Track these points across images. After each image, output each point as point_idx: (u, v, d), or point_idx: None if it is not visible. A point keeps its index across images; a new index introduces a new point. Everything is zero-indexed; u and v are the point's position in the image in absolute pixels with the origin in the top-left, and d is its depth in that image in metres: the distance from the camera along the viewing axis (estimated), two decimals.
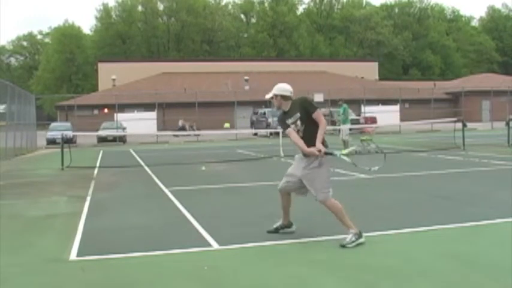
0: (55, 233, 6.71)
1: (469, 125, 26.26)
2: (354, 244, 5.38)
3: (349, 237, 5.43)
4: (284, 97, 5.76)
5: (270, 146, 22.43)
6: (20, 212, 8.33)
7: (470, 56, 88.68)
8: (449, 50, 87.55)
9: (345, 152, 5.85)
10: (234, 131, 34.22)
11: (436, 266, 4.72)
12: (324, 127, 5.65)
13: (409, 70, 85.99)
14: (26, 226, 7.26)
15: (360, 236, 5.45)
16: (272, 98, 5.83)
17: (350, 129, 19.65)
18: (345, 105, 18.66)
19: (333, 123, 34.38)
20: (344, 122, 18.40)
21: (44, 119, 47.02)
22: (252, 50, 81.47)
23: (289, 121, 5.69)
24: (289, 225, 6.09)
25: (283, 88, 5.80)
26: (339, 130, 19.09)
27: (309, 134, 5.63)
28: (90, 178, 12.72)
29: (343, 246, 5.36)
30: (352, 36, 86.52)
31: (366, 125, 32.59)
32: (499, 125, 33.30)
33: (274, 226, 6.10)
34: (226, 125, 23.02)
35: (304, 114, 5.61)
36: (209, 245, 5.72)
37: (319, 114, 5.63)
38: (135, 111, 39.00)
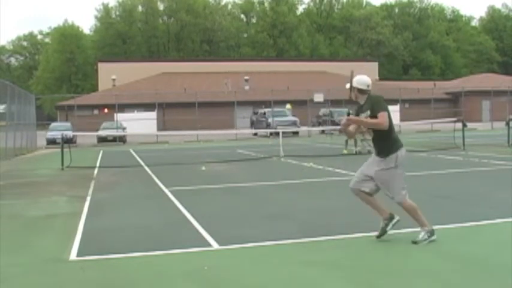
0: (55, 233, 6.71)
1: (469, 125, 26.24)
2: (426, 242, 5.41)
3: (422, 234, 5.46)
4: (360, 90, 5.69)
5: (270, 146, 22.43)
6: (20, 212, 8.33)
7: (470, 56, 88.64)
8: (449, 50, 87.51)
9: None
10: (234, 131, 34.22)
11: (436, 266, 4.72)
12: (376, 122, 5.47)
13: (409, 70, 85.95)
14: (26, 226, 7.25)
15: (432, 234, 5.48)
16: (350, 89, 5.74)
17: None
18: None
19: (333, 123, 34.43)
20: None
21: (44, 119, 47.01)
22: (252, 50, 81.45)
23: (361, 116, 5.63)
24: (392, 217, 5.65)
25: (361, 81, 5.71)
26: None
27: (377, 135, 5.58)
28: (90, 178, 12.72)
29: (415, 242, 5.41)
30: (352, 36, 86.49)
31: None
32: (499, 125, 33.29)
33: (381, 227, 5.70)
34: (288, 106, 22.01)
35: (371, 113, 5.55)
36: (209, 245, 5.72)
37: (381, 116, 5.46)
38: (135, 111, 38.98)
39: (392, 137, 5.60)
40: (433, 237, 5.47)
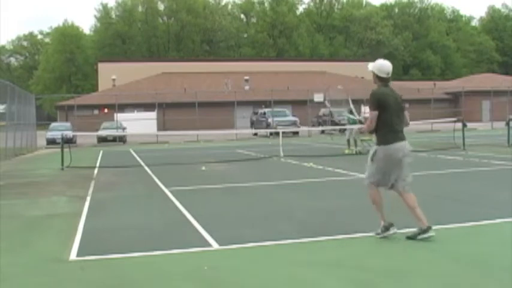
0: (55, 233, 6.71)
1: (469, 125, 26.22)
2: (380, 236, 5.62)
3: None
4: (377, 77, 5.59)
5: (270, 146, 22.43)
6: (20, 212, 8.33)
7: (470, 56, 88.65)
8: (449, 50, 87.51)
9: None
10: (234, 131, 34.22)
11: (436, 266, 4.72)
12: (365, 128, 5.80)
13: (409, 70, 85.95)
14: (26, 226, 7.25)
15: (387, 229, 5.64)
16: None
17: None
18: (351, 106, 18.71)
19: (333, 123, 34.43)
20: (353, 122, 18.36)
21: (44, 119, 47.03)
22: (252, 50, 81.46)
23: (365, 108, 5.78)
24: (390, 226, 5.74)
25: (377, 66, 5.59)
26: (345, 130, 19.14)
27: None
28: (90, 178, 12.72)
29: (377, 234, 5.69)
30: (352, 36, 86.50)
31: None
32: (499, 125, 33.29)
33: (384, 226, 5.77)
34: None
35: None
36: (209, 245, 5.72)
37: (369, 115, 5.62)
38: (135, 111, 38.99)
39: (383, 131, 5.53)
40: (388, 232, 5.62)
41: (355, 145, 17.73)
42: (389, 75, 5.57)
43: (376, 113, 5.47)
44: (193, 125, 34.56)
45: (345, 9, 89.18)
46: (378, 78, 5.56)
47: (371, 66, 5.61)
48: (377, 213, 5.74)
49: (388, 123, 5.50)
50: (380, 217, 5.73)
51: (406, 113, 5.73)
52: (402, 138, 5.57)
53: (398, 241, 5.64)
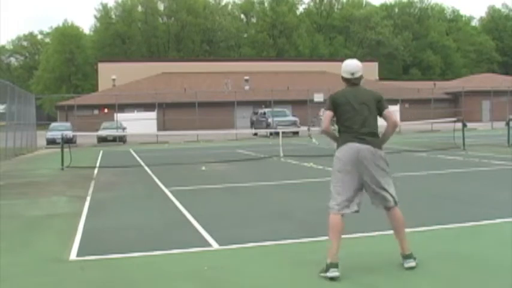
0: (55, 233, 6.71)
1: (469, 125, 26.22)
2: (321, 275, 4.56)
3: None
4: (342, 78, 4.97)
5: (270, 146, 22.43)
6: (20, 212, 8.33)
7: (470, 56, 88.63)
8: (449, 50, 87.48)
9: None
10: (234, 131, 34.22)
11: (436, 266, 4.72)
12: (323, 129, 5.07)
13: (409, 70, 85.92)
14: (26, 226, 7.25)
15: (327, 269, 4.54)
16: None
17: None
18: None
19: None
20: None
21: (44, 119, 47.01)
22: (252, 50, 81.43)
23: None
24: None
25: (342, 66, 4.97)
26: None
27: None
28: (90, 178, 12.72)
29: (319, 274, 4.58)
30: (352, 36, 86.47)
31: None
32: (499, 125, 33.29)
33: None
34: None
35: None
36: (209, 245, 5.72)
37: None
38: (135, 111, 38.98)
39: (341, 131, 4.91)
40: (327, 274, 4.50)
41: None
42: (356, 75, 4.89)
43: (328, 112, 4.90)
44: (193, 125, 34.56)
45: (345, 9, 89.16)
46: (345, 80, 4.97)
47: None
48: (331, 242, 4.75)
49: (344, 122, 4.84)
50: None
51: (388, 113, 4.94)
52: (363, 141, 4.71)
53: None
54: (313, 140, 18.60)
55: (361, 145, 4.70)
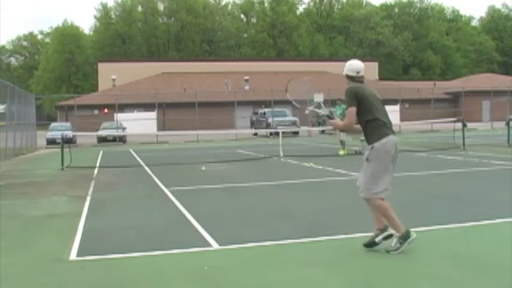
0: (55, 233, 6.71)
1: (469, 125, 26.24)
2: (399, 250, 5.06)
3: (394, 241, 5.12)
4: (348, 76, 5.30)
5: (270, 146, 22.43)
6: (20, 212, 8.33)
7: (470, 56, 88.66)
8: (449, 50, 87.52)
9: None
10: (234, 131, 34.22)
11: (436, 266, 4.72)
12: (343, 124, 5.42)
13: (409, 70, 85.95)
14: (26, 226, 7.25)
15: (405, 238, 5.06)
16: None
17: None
18: (343, 105, 18.57)
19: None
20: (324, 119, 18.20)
21: (44, 119, 47.01)
22: (252, 50, 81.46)
23: (342, 107, 5.54)
24: (385, 229, 5.26)
25: (347, 65, 5.34)
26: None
27: (359, 122, 5.28)
28: (90, 178, 12.72)
29: (388, 251, 5.09)
30: (352, 36, 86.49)
31: None
32: (499, 125, 33.29)
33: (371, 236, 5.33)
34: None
35: (346, 107, 5.30)
36: (209, 245, 5.72)
37: (347, 114, 5.21)
38: (135, 111, 38.98)
39: (371, 125, 5.13)
40: (408, 242, 5.06)
41: (342, 146, 17.46)
42: (360, 74, 5.24)
43: (353, 108, 5.08)
44: (193, 125, 34.56)
45: (344, 9, 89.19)
46: (349, 78, 5.25)
47: (345, 69, 5.37)
48: (391, 221, 5.15)
49: (372, 114, 5.11)
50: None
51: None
52: (394, 133, 5.23)
53: None
54: (348, 139, 17.89)
55: (395, 137, 5.26)
